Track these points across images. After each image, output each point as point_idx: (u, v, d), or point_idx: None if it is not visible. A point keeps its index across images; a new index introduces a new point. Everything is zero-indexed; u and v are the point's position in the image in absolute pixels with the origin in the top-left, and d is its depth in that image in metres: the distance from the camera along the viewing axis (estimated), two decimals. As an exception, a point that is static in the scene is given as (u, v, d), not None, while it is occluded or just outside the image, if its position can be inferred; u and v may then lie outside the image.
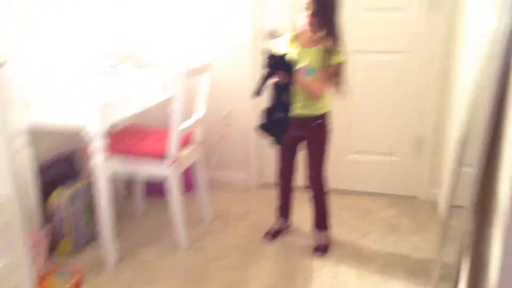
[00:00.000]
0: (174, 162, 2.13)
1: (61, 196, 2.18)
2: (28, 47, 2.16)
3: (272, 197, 2.50)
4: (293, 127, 2.07)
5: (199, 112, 2.36)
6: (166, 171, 2.14)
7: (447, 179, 2.28)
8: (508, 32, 1.22)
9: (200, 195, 2.55)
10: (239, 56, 2.86)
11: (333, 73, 2.07)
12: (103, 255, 2.13)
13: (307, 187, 2.28)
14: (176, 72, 2.04)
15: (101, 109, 1.92)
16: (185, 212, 2.32)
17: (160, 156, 2.13)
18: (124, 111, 2.10)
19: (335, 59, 2.04)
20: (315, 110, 2.13)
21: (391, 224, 2.56)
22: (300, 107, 2.10)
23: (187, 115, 2.22)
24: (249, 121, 2.90)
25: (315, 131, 2.18)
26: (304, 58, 2.05)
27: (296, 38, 2.11)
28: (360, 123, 2.85)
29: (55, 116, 1.98)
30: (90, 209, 2.29)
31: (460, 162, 1.65)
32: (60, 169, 2.39)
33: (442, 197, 2.59)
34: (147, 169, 2.17)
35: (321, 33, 2.03)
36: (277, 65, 1.95)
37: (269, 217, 2.51)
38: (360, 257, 2.23)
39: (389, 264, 2.17)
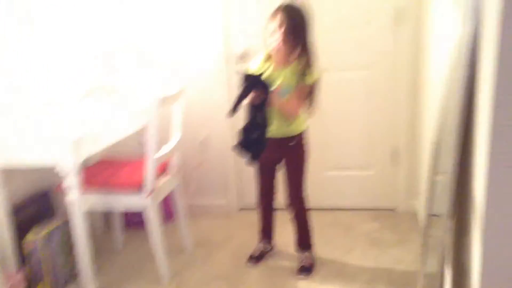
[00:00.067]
0: (151, 192, 2.10)
1: (37, 236, 2.11)
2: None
3: (253, 220, 2.48)
4: (270, 148, 2.07)
5: (175, 139, 2.35)
6: (144, 202, 2.11)
7: (424, 188, 2.31)
8: (471, 40, 1.26)
9: (180, 224, 2.51)
10: (212, 81, 2.88)
11: (308, 93, 2.10)
12: (83, 294, 2.06)
13: (287, 207, 2.27)
14: (148, 101, 2.03)
15: (72, 145, 1.87)
16: (166, 243, 2.27)
17: (136, 187, 2.10)
18: (96, 144, 2.06)
19: (309, 79, 2.06)
20: (291, 130, 2.15)
21: (373, 238, 2.57)
22: (276, 127, 2.11)
23: (162, 143, 2.20)
24: (226, 145, 2.89)
25: (292, 151, 2.19)
26: (277, 78, 2.07)
27: (269, 58, 2.13)
28: (334, 139, 2.88)
29: (26, 155, 1.94)
30: (67, 247, 2.22)
31: (434, 170, 1.67)
32: (35, 207, 2.32)
33: (421, 207, 2.62)
34: (124, 202, 2.13)
35: (294, 53, 2.06)
36: (253, 84, 1.97)
37: (252, 241, 2.49)
38: (345, 275, 2.22)
39: (373, 279, 2.16)
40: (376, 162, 2.88)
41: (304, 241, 2.31)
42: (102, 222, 2.80)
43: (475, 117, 1.25)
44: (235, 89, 2.01)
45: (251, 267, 2.34)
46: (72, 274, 2.25)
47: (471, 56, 1.27)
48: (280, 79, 2.07)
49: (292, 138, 2.15)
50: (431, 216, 1.70)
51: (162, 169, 2.29)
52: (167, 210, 2.74)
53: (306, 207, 2.27)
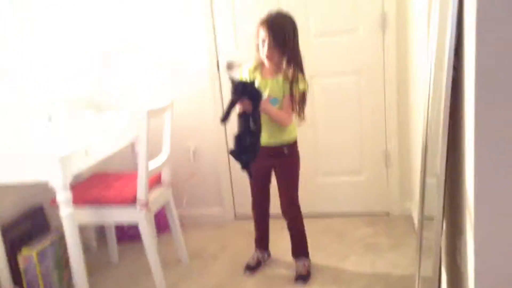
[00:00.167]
0: (144, 205, 2.08)
1: (32, 252, 2.09)
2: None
3: (248, 228, 2.47)
4: (262, 157, 2.07)
5: (165, 151, 2.34)
6: (137, 216, 2.09)
7: (417, 191, 2.32)
8: (454, 42, 1.28)
9: (174, 236, 2.49)
10: (200, 91, 2.88)
11: (297, 101, 2.11)
12: (78, 310, 2.04)
13: (282, 214, 2.27)
14: (137, 114, 2.03)
15: (61, 161, 1.83)
16: (160, 255, 2.26)
17: (129, 201, 2.08)
18: (86, 160, 2.04)
19: (297, 88, 2.07)
20: (282, 138, 2.15)
21: (368, 243, 2.56)
22: (267, 136, 2.11)
23: (155, 155, 2.19)
24: (217, 154, 2.89)
25: (284, 159, 2.19)
26: (264, 88, 2.08)
27: (256, 68, 2.14)
28: (326, 145, 2.89)
29: (16, 171, 1.91)
30: (61, 263, 2.20)
31: (425, 172, 1.68)
32: (27, 225, 2.30)
33: (415, 210, 2.62)
34: (117, 216, 2.12)
35: (281, 64, 2.07)
36: (244, 92, 1.98)
37: (247, 250, 2.48)
38: (341, 281, 2.21)
39: (370, 284, 2.16)
40: (369, 166, 2.89)
41: (300, 248, 2.31)
42: (96, 236, 2.77)
43: (460, 118, 1.27)
44: (226, 97, 2.01)
45: (248, 276, 2.33)
46: (68, 290, 2.23)
47: (455, 58, 1.29)
48: (267, 89, 2.09)
49: (283, 146, 2.16)
50: (425, 218, 1.71)
51: (155, 182, 2.28)
52: (161, 222, 2.72)
53: (300, 215, 2.27)
